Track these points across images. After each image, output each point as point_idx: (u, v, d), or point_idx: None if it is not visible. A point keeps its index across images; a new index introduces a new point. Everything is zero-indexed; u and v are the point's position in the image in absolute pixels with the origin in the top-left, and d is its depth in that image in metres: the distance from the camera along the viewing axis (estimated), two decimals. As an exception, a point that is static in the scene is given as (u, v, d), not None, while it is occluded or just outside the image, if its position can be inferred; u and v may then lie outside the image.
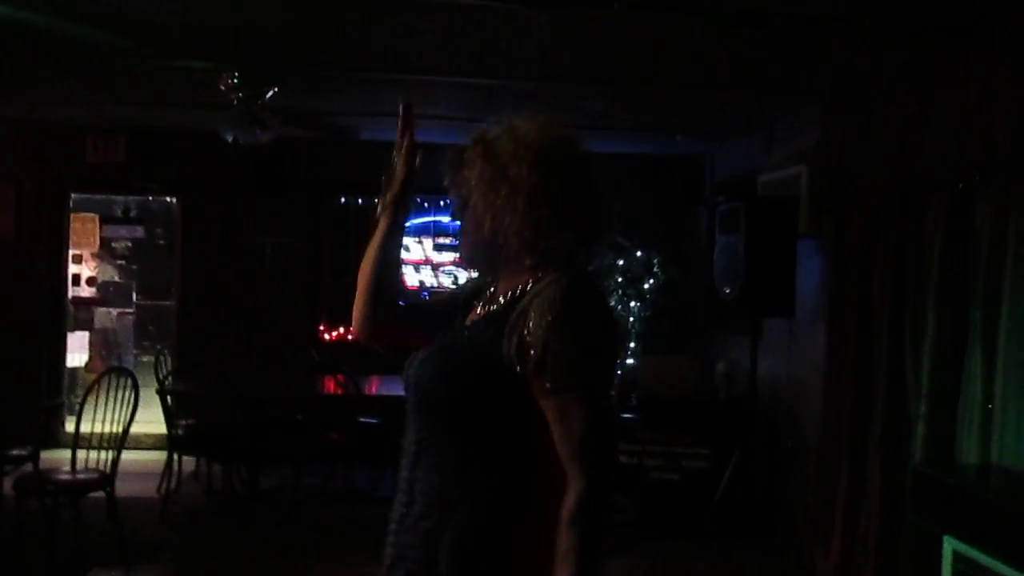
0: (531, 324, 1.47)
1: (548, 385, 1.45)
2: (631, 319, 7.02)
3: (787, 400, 5.48)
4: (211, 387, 5.95)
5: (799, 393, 5.30)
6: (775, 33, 3.71)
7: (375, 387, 6.02)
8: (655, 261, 7.02)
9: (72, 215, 7.73)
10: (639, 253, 7.02)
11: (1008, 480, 3.37)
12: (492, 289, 1.66)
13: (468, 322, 1.65)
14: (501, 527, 1.50)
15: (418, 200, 7.52)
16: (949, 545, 3.27)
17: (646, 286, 7.03)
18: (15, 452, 4.83)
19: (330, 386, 6.12)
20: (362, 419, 5.87)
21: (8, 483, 4.53)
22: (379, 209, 1.78)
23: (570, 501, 1.43)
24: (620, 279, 7.06)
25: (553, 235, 1.54)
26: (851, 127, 4.67)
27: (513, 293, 1.58)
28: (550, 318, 1.46)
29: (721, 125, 6.13)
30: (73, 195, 7.61)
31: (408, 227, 7.47)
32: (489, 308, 1.62)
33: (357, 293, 1.79)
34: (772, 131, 5.91)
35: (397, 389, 6.38)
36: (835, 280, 4.77)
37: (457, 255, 1.64)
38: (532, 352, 1.46)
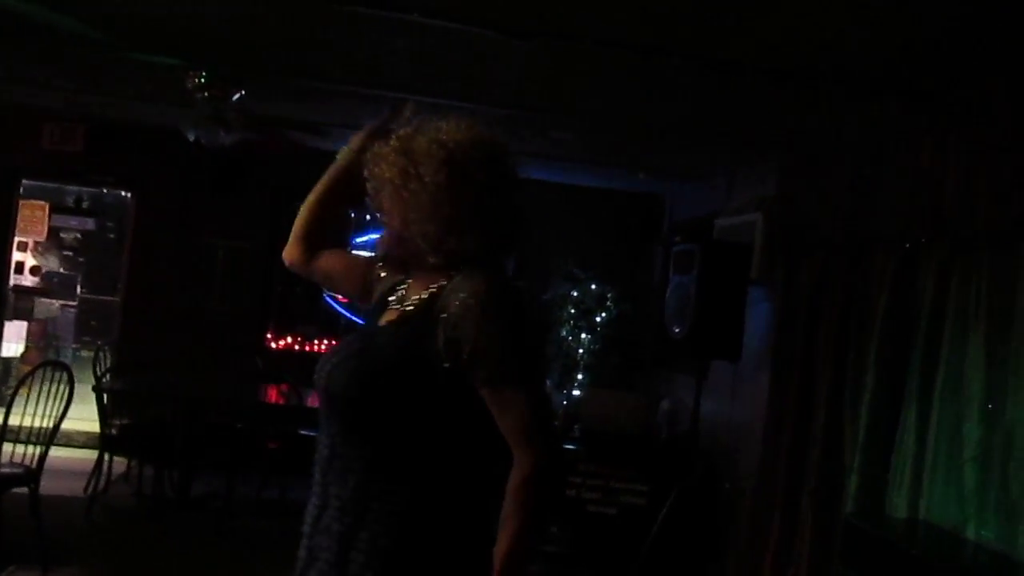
0: (458, 320, 1.48)
1: (485, 377, 1.47)
2: (580, 351, 7.05)
3: (727, 443, 5.53)
4: (149, 387, 5.84)
5: (740, 437, 5.36)
6: (742, 83, 3.81)
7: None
8: (608, 295, 7.07)
9: (21, 202, 7.56)
10: (593, 286, 7.07)
11: (934, 536, 3.44)
12: (405, 288, 1.67)
13: (383, 323, 1.65)
14: (417, 526, 1.50)
15: (370, 216, 7.45)
16: (873, 597, 3.33)
17: (598, 319, 7.07)
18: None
19: (272, 395, 6.04)
20: (302, 431, 5.79)
21: (-72, 472, 4.38)
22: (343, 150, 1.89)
23: (518, 474, 1.46)
24: (572, 310, 7.09)
25: (456, 236, 1.55)
26: (808, 180, 4.79)
27: (428, 292, 1.58)
28: (478, 312, 1.47)
29: (683, 167, 6.23)
30: (24, 181, 7.45)
31: (367, 239, 7.50)
32: (404, 307, 1.62)
33: (296, 217, 1.94)
34: (732, 177, 6.02)
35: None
36: (781, 328, 4.85)
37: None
38: (464, 347, 1.48)
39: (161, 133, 6.14)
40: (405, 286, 1.68)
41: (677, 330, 5.07)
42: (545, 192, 7.42)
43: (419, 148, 1.58)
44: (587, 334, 7.06)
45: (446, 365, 1.49)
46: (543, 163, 6.44)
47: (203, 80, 4.73)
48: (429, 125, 1.62)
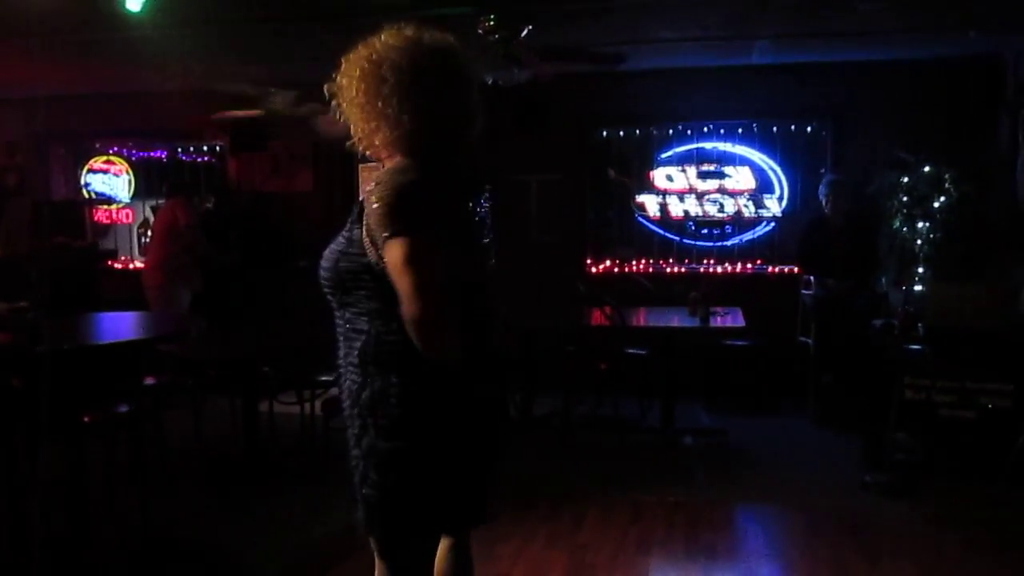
0: (368, 224, 1.86)
1: (381, 239, 1.81)
2: (918, 241, 6.44)
3: (1110, 330, 4.78)
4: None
5: None
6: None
7: (642, 319, 6.04)
8: (946, 177, 6.36)
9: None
10: (926, 169, 6.40)
11: None
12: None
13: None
14: (376, 358, 1.96)
15: (680, 127, 7.33)
16: None
17: (936, 205, 6.40)
18: None
19: (597, 317, 6.22)
20: (629, 350, 5.94)
21: None
22: None
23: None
24: (905, 198, 6.48)
25: (374, 135, 1.95)
26: None
27: (366, 192, 1.90)
28: (374, 197, 1.83)
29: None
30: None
31: (671, 156, 7.39)
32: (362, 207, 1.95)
33: None
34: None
35: (662, 320, 6.27)
36: None
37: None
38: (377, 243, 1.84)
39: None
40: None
41: (1034, 207, 4.43)
42: (861, 73, 6.79)
43: (353, 61, 1.96)
44: (924, 223, 6.43)
45: (370, 257, 1.88)
46: (855, 42, 5.89)
47: (492, 22, 4.89)
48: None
